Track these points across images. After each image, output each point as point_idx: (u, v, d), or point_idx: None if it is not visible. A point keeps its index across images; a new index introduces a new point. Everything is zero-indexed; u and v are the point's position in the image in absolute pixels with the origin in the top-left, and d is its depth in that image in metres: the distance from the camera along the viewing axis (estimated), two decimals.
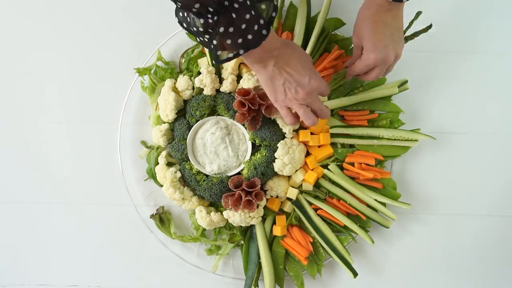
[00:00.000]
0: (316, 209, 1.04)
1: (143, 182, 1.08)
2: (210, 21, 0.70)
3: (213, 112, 1.03)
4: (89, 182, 1.09)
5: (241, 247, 1.06)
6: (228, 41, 0.71)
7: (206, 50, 1.03)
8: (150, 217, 1.05)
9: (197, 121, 1.02)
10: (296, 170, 1.01)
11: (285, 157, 0.99)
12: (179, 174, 1.02)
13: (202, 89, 1.03)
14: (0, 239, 1.09)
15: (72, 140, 1.09)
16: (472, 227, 1.09)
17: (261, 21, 0.72)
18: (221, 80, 1.03)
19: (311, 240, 1.03)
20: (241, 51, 0.73)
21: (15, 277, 1.09)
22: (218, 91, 1.03)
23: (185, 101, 1.04)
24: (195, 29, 0.72)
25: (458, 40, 1.10)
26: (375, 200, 1.03)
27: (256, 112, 0.97)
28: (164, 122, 1.04)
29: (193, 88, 1.03)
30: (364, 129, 1.03)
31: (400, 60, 0.92)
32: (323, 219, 1.04)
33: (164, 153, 1.03)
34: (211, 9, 0.68)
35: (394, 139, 1.03)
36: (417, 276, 1.09)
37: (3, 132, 1.09)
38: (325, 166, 1.04)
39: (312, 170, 1.02)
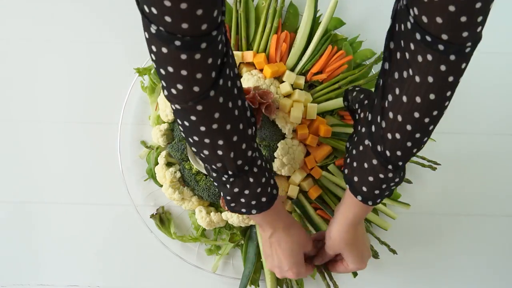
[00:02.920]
0: (316, 209, 1.04)
1: (143, 182, 1.08)
2: (224, 179, 0.71)
3: None
4: (89, 182, 1.09)
5: (241, 247, 1.06)
6: (242, 200, 0.73)
7: None
8: (150, 217, 1.05)
9: None
10: (295, 171, 1.01)
11: (285, 157, 0.99)
12: (178, 174, 1.02)
13: None
14: (0, 239, 1.09)
15: (72, 140, 1.09)
16: (473, 227, 1.09)
17: (272, 181, 0.75)
18: None
19: None
20: (254, 211, 0.75)
21: (15, 277, 1.09)
22: None
23: None
24: (207, 171, 0.73)
25: None
26: None
27: (256, 111, 0.97)
28: (164, 122, 1.04)
29: None
30: None
31: None
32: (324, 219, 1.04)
33: (163, 153, 1.03)
34: (230, 172, 0.70)
35: None
36: (417, 276, 1.09)
37: (2, 132, 1.09)
38: (325, 167, 1.04)
39: (311, 170, 1.02)
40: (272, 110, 0.98)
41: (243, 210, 0.75)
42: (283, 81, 1.02)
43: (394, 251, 1.02)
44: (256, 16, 1.05)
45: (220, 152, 0.67)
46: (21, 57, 1.10)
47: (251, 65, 1.04)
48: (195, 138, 0.66)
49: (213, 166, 0.70)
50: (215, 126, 0.63)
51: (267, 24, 1.03)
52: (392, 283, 1.09)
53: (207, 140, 0.65)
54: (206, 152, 0.67)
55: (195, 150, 0.69)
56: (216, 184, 0.75)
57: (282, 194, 1.02)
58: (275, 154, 1.00)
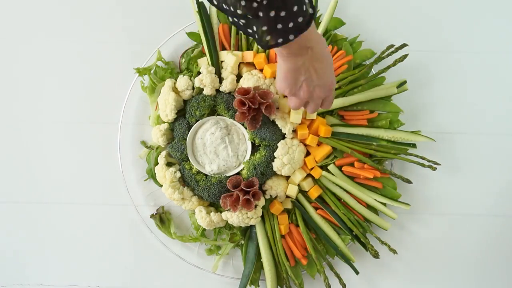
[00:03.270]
0: (316, 208, 1.04)
1: (143, 182, 1.08)
2: (255, 5, 0.64)
3: (213, 112, 1.04)
4: (89, 182, 1.09)
5: (241, 247, 1.06)
6: (279, 26, 0.66)
7: (206, 50, 1.03)
8: (150, 217, 1.05)
9: (197, 121, 1.02)
10: (295, 170, 1.01)
11: (285, 157, 0.99)
12: (178, 174, 1.02)
13: (202, 89, 1.03)
14: (0, 239, 1.09)
15: (72, 140, 1.09)
16: (472, 227, 1.09)
17: (307, 0, 0.68)
18: (220, 80, 1.03)
19: (314, 236, 1.04)
20: (291, 36, 0.68)
21: (15, 277, 1.09)
22: (218, 91, 1.03)
23: (185, 101, 1.05)
24: (232, 8, 0.66)
25: (458, 40, 1.10)
26: (375, 200, 1.03)
27: (256, 111, 0.97)
28: (164, 122, 1.04)
29: (193, 88, 1.03)
30: (364, 129, 1.03)
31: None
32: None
33: (163, 153, 1.03)
34: None
35: (394, 141, 1.03)
36: (417, 276, 1.09)
37: (3, 132, 1.09)
38: (325, 167, 1.04)
39: (311, 170, 1.02)
40: (272, 110, 0.98)
41: (280, 40, 0.67)
42: None
43: (394, 251, 1.02)
44: None
45: None
46: (21, 58, 1.10)
47: (251, 65, 1.04)
48: None
49: None
50: None
51: None
52: (392, 283, 1.09)
53: None
54: None
55: None
56: (247, 20, 0.67)
57: (281, 194, 1.02)
58: (275, 154, 1.00)
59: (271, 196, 1.02)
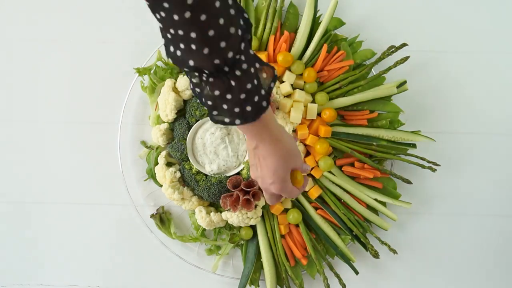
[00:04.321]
0: (316, 208, 1.04)
1: (143, 182, 1.08)
2: (204, 79, 0.64)
3: None
4: (89, 182, 1.09)
5: (241, 247, 1.06)
6: (224, 106, 0.65)
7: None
8: (150, 217, 1.05)
9: (197, 121, 1.02)
10: None
11: None
12: (178, 174, 1.02)
13: None
14: (0, 239, 1.09)
15: (72, 140, 1.09)
16: (473, 227, 1.09)
17: (262, 92, 0.66)
18: None
19: (314, 237, 1.03)
20: (237, 121, 0.66)
21: (15, 277, 1.09)
22: None
23: (185, 101, 1.04)
24: (188, 77, 0.66)
25: (459, 40, 1.10)
26: (375, 200, 1.03)
27: None
28: (164, 122, 1.04)
29: None
30: (364, 129, 1.03)
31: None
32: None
33: (163, 153, 1.03)
34: (206, 71, 0.62)
35: (394, 141, 1.03)
36: (417, 276, 1.09)
37: (2, 132, 1.09)
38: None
39: (311, 170, 1.02)
40: (272, 110, 0.98)
41: (226, 119, 0.66)
42: (283, 81, 1.02)
43: (394, 251, 1.02)
44: (256, 16, 1.05)
45: (193, 46, 0.59)
46: (21, 58, 1.10)
47: None
48: (171, 31, 0.59)
49: (188, 65, 0.62)
50: (187, 15, 0.56)
51: (267, 24, 1.03)
52: (392, 283, 1.09)
53: (180, 32, 0.58)
54: (181, 45, 0.60)
55: (171, 48, 0.62)
56: (197, 92, 0.66)
57: None
58: None
59: None
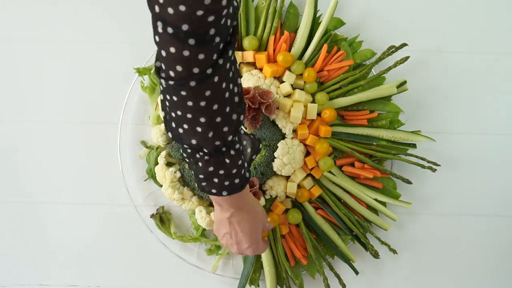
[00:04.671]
0: (316, 208, 1.04)
1: (143, 182, 1.08)
2: (198, 156, 0.70)
3: None
4: (89, 182, 1.09)
5: None
6: (215, 180, 0.72)
7: None
8: (150, 217, 1.05)
9: None
10: (295, 170, 1.01)
11: (285, 157, 0.99)
12: (178, 174, 1.02)
13: None
14: (0, 239, 1.09)
15: (72, 140, 1.09)
16: (472, 227, 1.09)
17: (246, 164, 0.74)
18: None
19: (314, 237, 1.04)
20: (225, 193, 0.73)
21: (15, 277, 1.09)
22: None
23: None
24: (182, 149, 0.72)
25: (459, 40, 1.10)
26: (376, 199, 1.03)
27: (256, 111, 0.97)
28: None
29: None
30: (364, 129, 1.03)
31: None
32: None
33: (163, 153, 1.03)
34: (206, 150, 0.68)
35: (394, 141, 1.03)
36: (417, 276, 1.09)
37: (2, 132, 1.09)
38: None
39: (311, 170, 1.02)
40: (272, 110, 0.98)
41: (214, 190, 0.73)
42: (283, 81, 1.02)
43: (394, 251, 1.02)
44: (256, 16, 1.05)
45: (199, 129, 0.65)
46: (22, 58, 1.10)
47: (251, 65, 1.04)
48: (178, 112, 0.64)
49: (188, 143, 0.68)
50: (202, 103, 0.62)
51: (267, 24, 1.03)
52: (392, 283, 1.09)
53: (189, 116, 0.64)
54: (185, 126, 0.65)
55: (173, 125, 0.67)
56: (188, 162, 0.73)
57: (281, 194, 1.02)
58: (275, 154, 1.00)
59: (271, 196, 1.02)
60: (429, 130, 1.08)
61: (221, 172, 0.71)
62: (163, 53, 0.58)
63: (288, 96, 1.03)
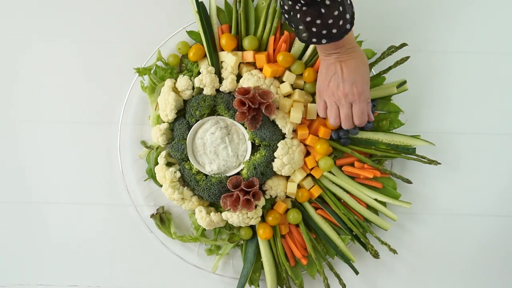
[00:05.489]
0: (316, 208, 1.04)
1: (143, 182, 1.08)
2: (297, 7, 0.76)
3: (213, 112, 1.03)
4: (89, 182, 1.09)
5: (241, 247, 1.06)
6: (314, 29, 0.78)
7: (206, 50, 1.03)
8: (151, 217, 1.05)
9: (197, 121, 1.02)
10: (295, 170, 1.01)
11: (285, 157, 0.99)
12: (178, 174, 1.02)
13: (202, 89, 1.03)
14: (0, 239, 1.09)
15: (72, 140, 1.09)
16: (472, 227, 1.09)
17: (347, 16, 0.78)
18: (220, 80, 1.03)
19: (314, 237, 1.03)
20: (324, 41, 0.79)
21: (15, 277, 1.09)
22: (218, 90, 1.03)
23: (185, 101, 1.05)
24: (281, 3, 0.80)
25: (458, 40, 1.10)
26: (376, 199, 1.03)
27: (256, 111, 0.97)
28: (164, 122, 1.04)
29: (193, 88, 1.03)
30: (363, 133, 1.02)
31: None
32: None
33: (163, 153, 1.03)
34: (302, 1, 0.75)
35: (393, 144, 1.03)
36: (417, 276, 1.09)
37: (2, 132, 1.09)
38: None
39: (311, 170, 1.02)
40: (272, 110, 0.98)
41: (314, 39, 0.79)
42: (283, 81, 1.02)
43: (394, 251, 1.02)
44: (256, 16, 1.05)
45: None
46: (22, 58, 1.10)
47: (251, 65, 1.04)
48: None
49: None
50: None
51: (267, 24, 1.03)
52: (392, 283, 1.09)
53: None
54: None
55: None
56: (288, 17, 0.79)
57: (281, 194, 1.02)
58: (275, 154, 1.00)
59: (271, 196, 1.02)
60: (429, 130, 1.08)
61: (318, 21, 0.76)
62: None
63: (288, 96, 1.03)
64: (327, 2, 0.75)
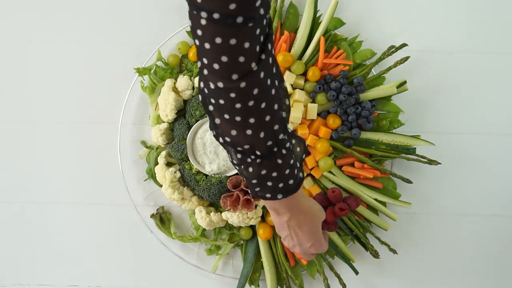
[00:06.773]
0: None
1: (143, 182, 1.08)
2: (249, 160, 0.67)
3: None
4: (89, 182, 1.09)
5: (241, 247, 1.06)
6: (269, 183, 0.69)
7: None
8: (151, 217, 1.05)
9: (197, 121, 1.02)
10: None
11: None
12: (178, 174, 1.02)
13: None
14: (0, 239, 1.09)
15: (72, 140, 1.09)
16: (473, 227, 1.09)
17: (298, 164, 0.72)
18: None
19: None
20: (279, 196, 0.70)
21: (15, 277, 1.09)
22: None
23: (185, 101, 1.05)
24: (229, 157, 0.70)
25: (459, 40, 1.10)
26: (376, 199, 1.03)
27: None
28: (164, 122, 1.04)
29: (193, 88, 1.03)
30: (364, 133, 1.02)
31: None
32: None
33: (163, 153, 1.03)
34: (258, 153, 0.66)
35: (393, 144, 1.03)
36: (417, 276, 1.09)
37: (2, 132, 1.09)
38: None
39: (311, 170, 1.02)
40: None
41: (268, 195, 0.70)
42: None
43: (394, 251, 1.02)
44: None
45: (249, 132, 0.63)
46: (21, 58, 1.10)
47: None
48: (226, 116, 0.62)
49: (239, 148, 0.66)
50: (251, 103, 0.60)
51: None
52: (392, 283, 1.09)
53: (238, 118, 0.62)
54: (233, 132, 0.64)
55: (220, 131, 0.65)
56: (239, 168, 0.70)
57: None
58: None
59: None
60: (429, 130, 1.08)
61: (274, 174, 0.68)
62: (207, 45, 0.56)
63: None
64: (283, 151, 0.67)
